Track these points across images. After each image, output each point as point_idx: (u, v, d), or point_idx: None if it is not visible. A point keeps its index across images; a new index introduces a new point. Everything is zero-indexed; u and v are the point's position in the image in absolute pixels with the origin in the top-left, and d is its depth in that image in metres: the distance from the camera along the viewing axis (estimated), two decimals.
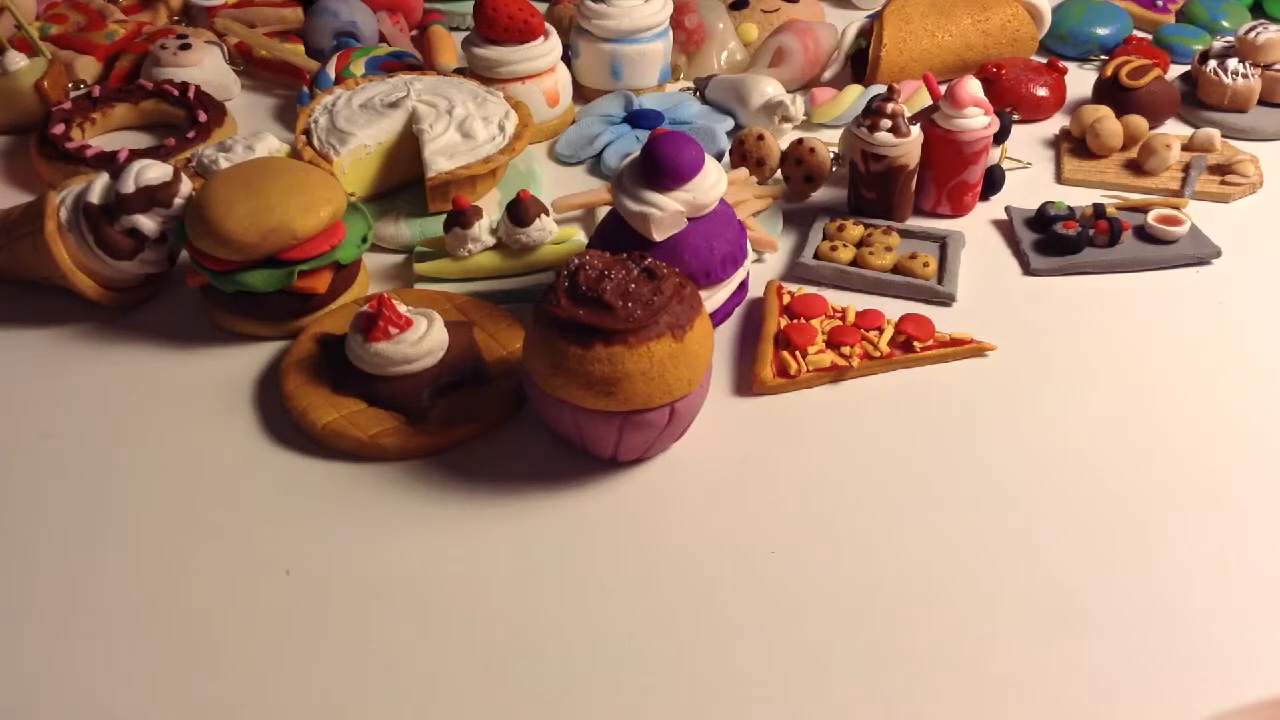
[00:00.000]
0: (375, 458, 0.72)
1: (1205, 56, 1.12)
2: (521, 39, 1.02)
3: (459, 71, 1.07)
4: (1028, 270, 0.90)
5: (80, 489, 0.70)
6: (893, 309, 0.85)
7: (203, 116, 1.04)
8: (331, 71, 1.10)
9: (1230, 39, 1.13)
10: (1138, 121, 1.03)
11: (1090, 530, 0.67)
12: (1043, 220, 0.92)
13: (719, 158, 1.02)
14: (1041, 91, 1.10)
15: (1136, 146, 1.02)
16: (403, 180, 0.96)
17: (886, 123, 0.89)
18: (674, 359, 0.65)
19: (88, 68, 1.15)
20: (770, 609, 0.62)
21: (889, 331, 0.80)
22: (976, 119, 0.90)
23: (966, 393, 0.78)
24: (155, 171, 0.81)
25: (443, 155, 0.90)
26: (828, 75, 1.14)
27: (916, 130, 0.90)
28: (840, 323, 0.81)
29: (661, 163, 0.74)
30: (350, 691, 0.58)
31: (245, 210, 0.76)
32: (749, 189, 0.94)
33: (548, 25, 1.05)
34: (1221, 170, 1.00)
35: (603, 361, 0.64)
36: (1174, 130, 1.08)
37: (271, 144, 0.95)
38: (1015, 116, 1.07)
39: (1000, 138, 0.96)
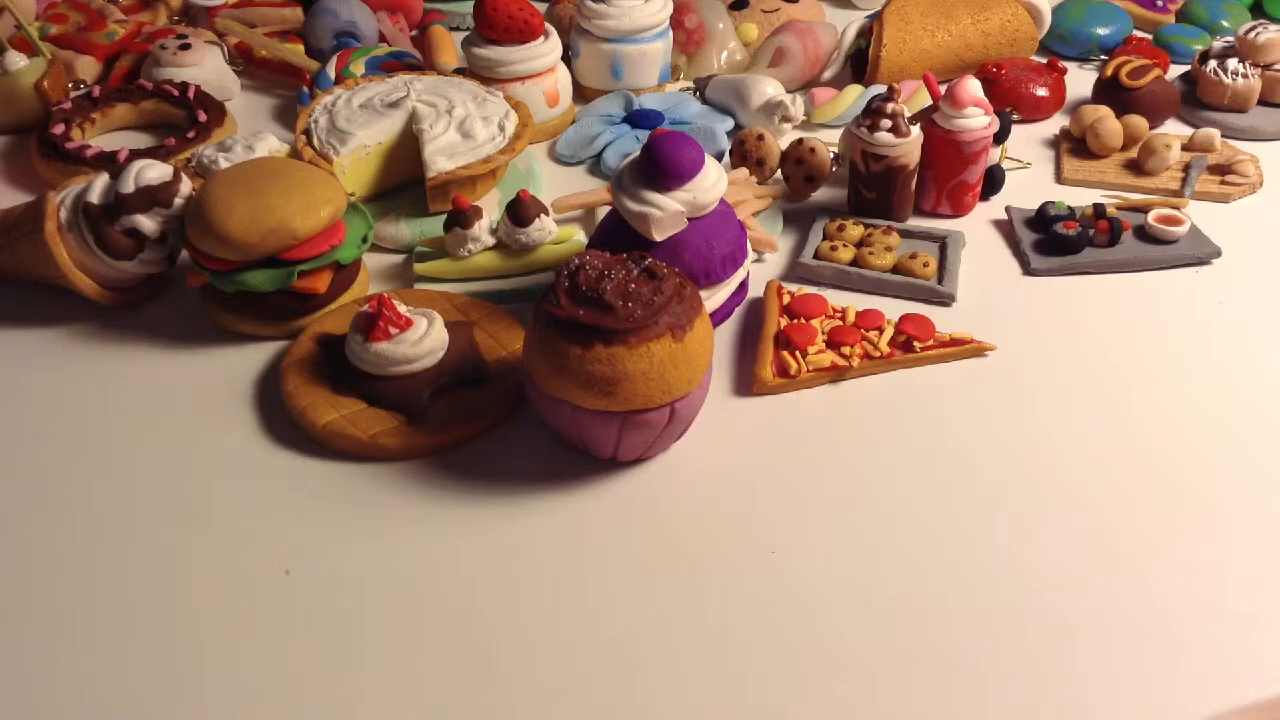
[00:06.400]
0: (375, 458, 0.72)
1: (1205, 56, 1.12)
2: (521, 39, 1.02)
3: (459, 71, 1.07)
4: (1028, 270, 0.89)
5: (80, 489, 0.70)
6: (893, 309, 0.85)
7: (203, 116, 1.04)
8: (331, 71, 1.10)
9: (1230, 39, 1.13)
10: (1138, 121, 1.03)
11: (1090, 530, 0.67)
12: (1043, 220, 0.92)
13: (719, 158, 1.02)
14: (1041, 91, 1.10)
15: (1136, 146, 1.02)
16: (403, 180, 0.96)
17: (886, 123, 0.89)
18: (674, 359, 0.65)
19: (88, 68, 1.15)
20: (770, 609, 0.62)
21: (889, 331, 0.80)
22: (976, 119, 0.90)
23: (966, 393, 0.78)
24: (155, 171, 0.81)
25: (443, 155, 0.90)
26: (828, 75, 1.14)
27: (916, 130, 0.90)
28: (840, 323, 0.81)
29: (661, 163, 0.74)
30: (350, 691, 0.58)
31: (245, 210, 0.76)
32: (749, 189, 0.94)
33: (548, 25, 1.05)
34: (1221, 170, 1.00)
35: (603, 361, 0.64)
36: (1174, 130, 1.08)
37: (271, 144, 0.95)
38: (1015, 116, 1.07)
39: (1000, 138, 0.96)
